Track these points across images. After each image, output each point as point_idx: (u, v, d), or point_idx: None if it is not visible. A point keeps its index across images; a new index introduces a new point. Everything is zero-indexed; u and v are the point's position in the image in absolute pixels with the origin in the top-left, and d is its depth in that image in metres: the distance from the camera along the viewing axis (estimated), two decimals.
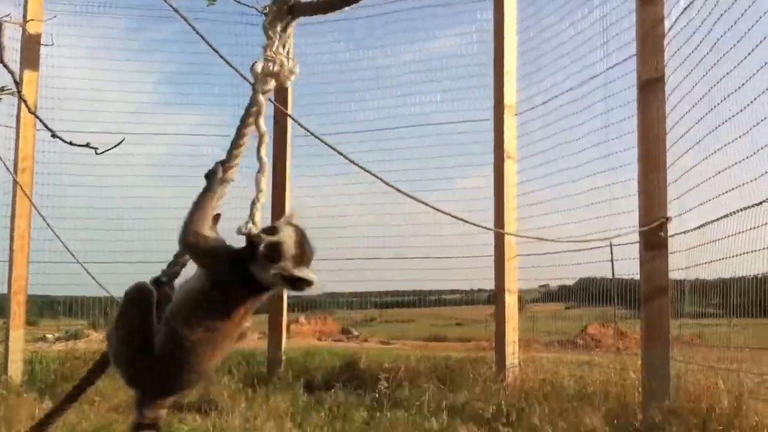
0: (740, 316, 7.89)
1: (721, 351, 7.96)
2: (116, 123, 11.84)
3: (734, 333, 7.89)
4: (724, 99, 6.98)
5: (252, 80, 2.06)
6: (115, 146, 3.91)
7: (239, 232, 1.96)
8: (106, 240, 12.60)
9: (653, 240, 7.73)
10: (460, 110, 12.07)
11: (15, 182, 10.05)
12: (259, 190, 2.07)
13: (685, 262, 7.92)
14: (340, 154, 6.73)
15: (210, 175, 2.03)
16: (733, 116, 6.92)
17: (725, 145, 7.19)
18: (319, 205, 12.56)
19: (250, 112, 2.09)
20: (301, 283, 1.91)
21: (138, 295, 1.92)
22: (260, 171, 2.12)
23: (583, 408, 7.18)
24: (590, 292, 17.36)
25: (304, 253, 1.93)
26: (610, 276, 17.09)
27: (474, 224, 7.81)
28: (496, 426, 6.88)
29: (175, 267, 2.07)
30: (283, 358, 10.55)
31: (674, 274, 7.86)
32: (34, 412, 7.73)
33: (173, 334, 1.87)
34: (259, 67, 2.04)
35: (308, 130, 6.30)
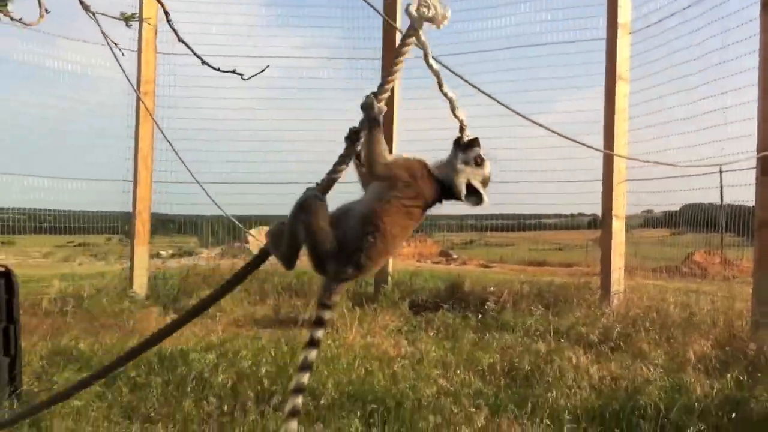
0: None
1: None
2: (225, 45, 12.05)
3: None
4: None
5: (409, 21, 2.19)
6: (260, 72, 4.13)
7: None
8: (219, 161, 13.11)
9: None
10: (572, 29, 11.83)
11: (138, 106, 10.50)
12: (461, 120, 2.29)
13: None
14: (455, 74, 6.79)
15: (367, 107, 2.19)
16: None
17: None
18: (422, 128, 12.60)
19: (402, 50, 2.22)
20: (477, 198, 2.25)
21: (315, 199, 2.20)
22: (453, 107, 2.29)
23: (690, 335, 7.19)
24: (696, 219, 17.02)
25: (487, 175, 2.29)
26: (717, 202, 16.73)
27: (588, 146, 7.76)
28: (602, 350, 6.98)
29: (328, 183, 2.27)
30: (389, 278, 10.84)
31: None
32: (157, 325, 8.28)
33: (357, 226, 2.17)
34: (413, 8, 2.17)
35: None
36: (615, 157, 9.45)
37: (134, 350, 3.03)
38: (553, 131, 6.95)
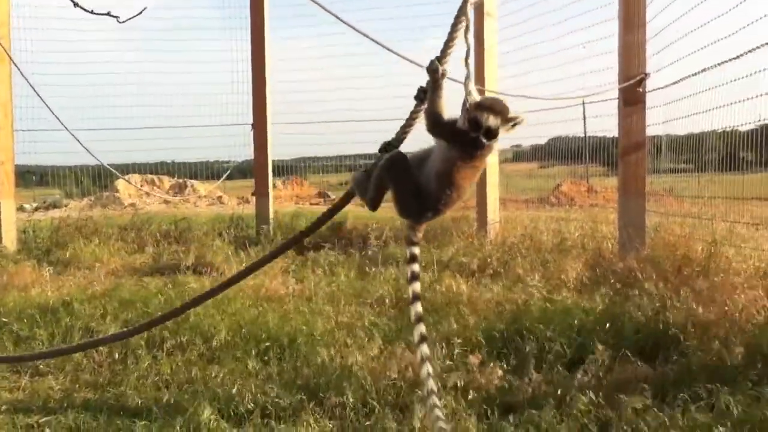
0: (710, 171, 8.29)
1: (693, 203, 8.40)
2: None
3: (705, 186, 8.30)
4: None
5: None
6: (138, 14, 3.99)
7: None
8: (82, 107, 12.61)
9: (632, 96, 7.98)
10: None
11: None
12: (468, 93, 2.38)
13: (663, 117, 8.22)
14: (330, 12, 6.77)
15: (432, 71, 2.38)
16: None
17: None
18: (298, 68, 12.55)
19: (459, 21, 2.40)
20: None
21: (401, 157, 2.48)
22: (468, 78, 2.41)
23: (563, 259, 7.58)
24: (562, 151, 17.75)
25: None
26: (581, 134, 17.47)
27: (456, 81, 7.96)
28: (482, 277, 7.27)
29: (402, 136, 2.56)
30: (270, 220, 10.82)
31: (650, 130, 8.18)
32: (32, 279, 7.98)
33: (435, 182, 2.40)
34: None
35: None
36: (486, 92, 9.69)
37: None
38: (412, 61, 7.06)
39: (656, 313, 5.30)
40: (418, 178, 2.44)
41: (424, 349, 2.52)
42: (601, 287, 6.33)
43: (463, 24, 2.40)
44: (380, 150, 2.53)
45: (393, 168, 2.46)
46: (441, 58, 2.40)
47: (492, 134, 2.31)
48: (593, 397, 4.08)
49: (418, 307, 2.56)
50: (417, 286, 2.59)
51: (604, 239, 8.38)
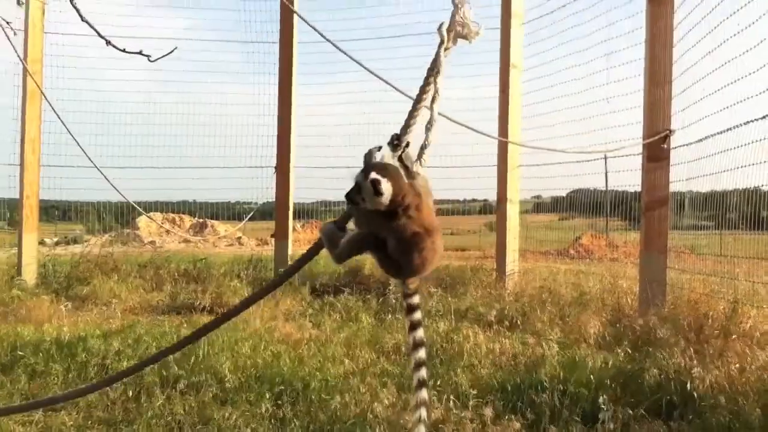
0: (732, 229, 8.23)
1: (715, 261, 8.31)
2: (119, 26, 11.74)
3: (726, 245, 8.23)
4: (733, 14, 7.13)
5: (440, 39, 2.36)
6: (167, 54, 4.06)
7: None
8: (107, 145, 12.77)
9: (656, 152, 7.96)
10: None
11: (25, 87, 10.08)
12: (427, 138, 2.44)
13: (686, 174, 8.19)
14: (350, 57, 6.84)
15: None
16: (740, 32, 7.09)
17: (730, 60, 7.37)
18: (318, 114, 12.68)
19: (433, 71, 2.38)
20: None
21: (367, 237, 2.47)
22: (430, 122, 2.44)
23: (581, 313, 7.52)
24: (583, 204, 17.69)
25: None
26: (602, 188, 17.43)
27: (485, 134, 7.99)
28: (500, 329, 7.21)
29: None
30: (290, 262, 10.82)
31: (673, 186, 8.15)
32: (49, 313, 8.02)
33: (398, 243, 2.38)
34: (445, 27, 2.31)
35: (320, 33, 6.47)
36: (509, 144, 9.72)
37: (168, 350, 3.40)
38: (450, 119, 7.12)
39: (675, 371, 5.22)
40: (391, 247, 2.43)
41: (423, 394, 2.48)
42: (620, 343, 6.26)
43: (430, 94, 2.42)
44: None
45: (364, 243, 2.47)
46: (402, 135, 2.45)
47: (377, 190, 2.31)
48: None
49: (421, 353, 2.53)
50: (419, 333, 2.56)
51: (624, 294, 8.30)
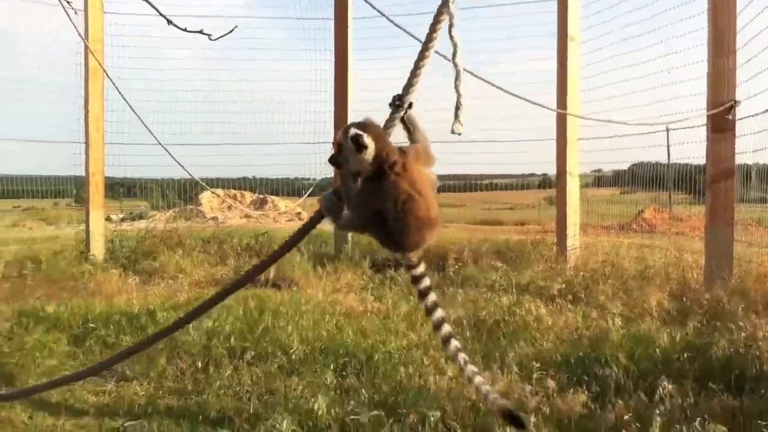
0: None
1: None
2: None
3: None
4: None
5: None
6: (228, 33, 4.11)
7: (452, 131, 2.43)
8: (168, 122, 12.99)
9: (721, 123, 7.78)
10: None
11: (87, 65, 10.29)
12: (458, 94, 2.37)
13: (752, 146, 8.01)
14: (406, 31, 6.81)
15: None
16: None
17: None
18: (379, 88, 12.63)
19: (437, 25, 2.36)
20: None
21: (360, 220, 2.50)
22: (457, 77, 2.39)
23: (645, 287, 7.42)
24: (644, 177, 17.43)
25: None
26: (664, 161, 17.12)
27: (542, 106, 7.91)
28: (562, 302, 7.16)
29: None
30: (350, 237, 10.89)
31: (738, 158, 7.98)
32: (118, 287, 8.24)
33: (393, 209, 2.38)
34: None
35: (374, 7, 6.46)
36: (569, 117, 9.58)
37: (181, 320, 3.40)
38: (509, 92, 7.07)
39: (745, 345, 5.13)
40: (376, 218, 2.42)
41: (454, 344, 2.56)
42: (686, 318, 6.17)
43: (445, 22, 2.35)
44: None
45: (364, 218, 2.45)
46: (404, 95, 2.43)
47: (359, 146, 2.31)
48: (678, 427, 3.97)
49: (439, 313, 2.58)
50: (431, 298, 2.61)
51: (689, 268, 8.15)
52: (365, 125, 2.35)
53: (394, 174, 2.31)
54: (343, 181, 2.42)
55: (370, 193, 2.36)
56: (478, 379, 2.51)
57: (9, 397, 4.42)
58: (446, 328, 2.56)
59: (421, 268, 2.55)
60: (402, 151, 2.38)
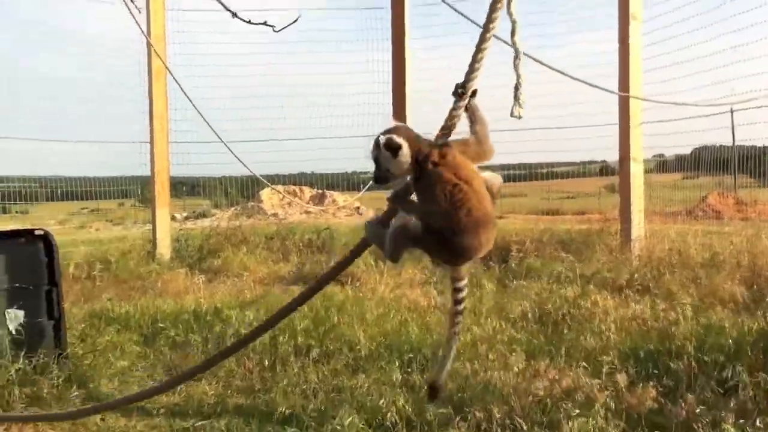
0: None
1: None
2: None
3: None
4: None
5: None
6: (291, 24, 4.13)
7: (511, 115, 2.37)
8: (228, 120, 13.14)
9: None
10: None
11: (150, 64, 10.44)
12: (518, 75, 2.30)
13: None
14: (467, 18, 6.73)
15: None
16: None
17: None
18: (434, 78, 12.60)
19: (497, 4, 2.30)
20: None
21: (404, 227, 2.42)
22: (517, 57, 2.35)
23: (714, 275, 7.23)
24: (708, 161, 16.99)
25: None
26: (728, 144, 16.68)
27: (605, 89, 7.73)
28: (629, 293, 7.03)
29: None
30: None
31: None
32: (185, 286, 8.38)
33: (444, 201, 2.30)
34: None
35: None
36: (631, 100, 9.35)
37: (264, 325, 3.48)
38: (568, 75, 6.93)
39: None
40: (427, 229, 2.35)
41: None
42: (759, 307, 6.00)
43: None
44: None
45: (403, 235, 2.39)
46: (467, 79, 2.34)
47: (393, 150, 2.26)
48: (759, 423, 3.87)
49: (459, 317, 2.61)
50: (459, 319, 2.63)
51: (761, 255, 7.90)
52: (392, 129, 2.34)
53: (431, 164, 2.27)
54: (397, 201, 2.42)
55: (422, 195, 2.33)
56: None
57: (79, 414, 4.48)
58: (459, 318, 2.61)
59: (464, 292, 2.55)
60: (445, 144, 2.34)
